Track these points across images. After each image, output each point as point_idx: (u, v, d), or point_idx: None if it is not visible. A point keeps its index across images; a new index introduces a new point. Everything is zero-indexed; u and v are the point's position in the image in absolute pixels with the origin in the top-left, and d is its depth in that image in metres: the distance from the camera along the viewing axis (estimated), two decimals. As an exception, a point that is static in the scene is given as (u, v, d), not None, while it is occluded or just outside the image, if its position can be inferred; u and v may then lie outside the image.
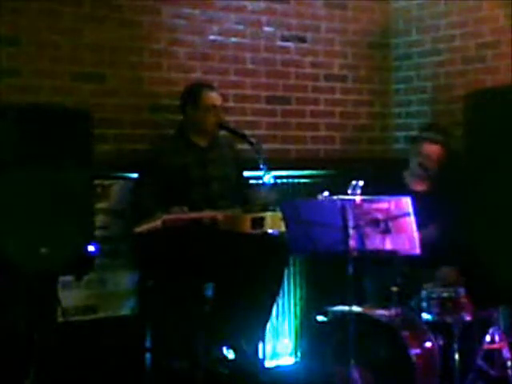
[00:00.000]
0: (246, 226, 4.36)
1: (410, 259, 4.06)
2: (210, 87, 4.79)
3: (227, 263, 4.33)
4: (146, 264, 4.57)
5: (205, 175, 4.67)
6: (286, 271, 4.84)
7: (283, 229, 4.25)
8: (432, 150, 4.84)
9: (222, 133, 4.81)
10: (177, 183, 4.56)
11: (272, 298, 4.56)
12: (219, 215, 4.36)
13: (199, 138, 4.74)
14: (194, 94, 4.73)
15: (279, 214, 4.30)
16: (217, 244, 4.32)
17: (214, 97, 4.73)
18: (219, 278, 4.42)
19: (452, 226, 4.49)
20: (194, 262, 4.30)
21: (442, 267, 4.50)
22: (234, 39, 5.27)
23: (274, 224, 4.40)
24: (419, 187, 4.84)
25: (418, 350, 4.02)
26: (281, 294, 5.14)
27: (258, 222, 4.38)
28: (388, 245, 3.96)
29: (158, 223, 4.20)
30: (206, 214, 4.37)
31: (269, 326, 4.76)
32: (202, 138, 4.74)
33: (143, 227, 4.21)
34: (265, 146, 4.93)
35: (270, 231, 4.39)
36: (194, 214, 4.34)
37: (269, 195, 4.55)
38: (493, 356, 4.20)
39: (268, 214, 4.40)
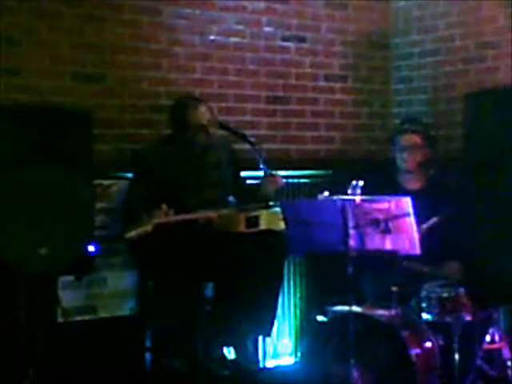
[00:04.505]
0: (241, 225, 4.36)
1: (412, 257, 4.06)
2: (196, 103, 4.58)
3: (225, 263, 4.33)
4: (145, 265, 4.57)
5: (199, 181, 4.58)
6: (285, 268, 4.82)
7: (280, 226, 4.25)
8: (412, 139, 4.80)
9: (220, 133, 4.78)
10: (170, 190, 4.46)
11: (273, 295, 4.55)
12: (213, 215, 4.36)
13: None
14: (180, 114, 4.56)
15: (275, 212, 4.31)
16: (213, 244, 4.32)
17: (201, 115, 4.54)
18: (218, 278, 4.42)
19: (451, 226, 4.49)
20: (192, 263, 4.30)
21: (447, 261, 4.48)
22: (233, 39, 5.27)
23: (269, 222, 4.40)
24: (413, 186, 4.81)
25: (418, 350, 4.01)
26: (281, 294, 5.15)
27: (253, 221, 4.38)
28: (388, 245, 3.96)
29: (148, 228, 4.14)
30: (201, 214, 4.36)
31: (276, 323, 4.74)
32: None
33: (133, 233, 4.13)
34: (265, 146, 4.93)
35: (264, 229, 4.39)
36: (188, 216, 4.32)
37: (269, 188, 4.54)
38: (493, 356, 4.20)
39: (263, 213, 4.40)
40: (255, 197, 4.58)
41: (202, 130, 4.55)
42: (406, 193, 4.14)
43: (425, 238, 4.07)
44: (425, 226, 4.35)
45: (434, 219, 4.46)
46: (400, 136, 4.82)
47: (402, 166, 4.81)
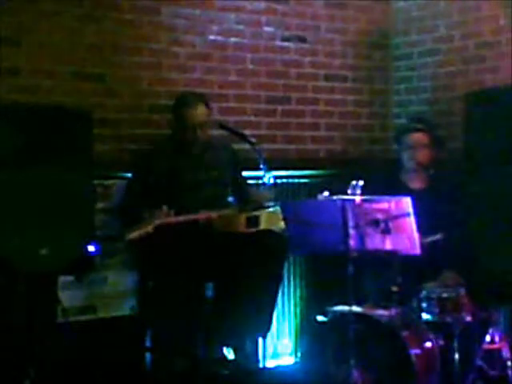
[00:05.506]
0: (241, 225, 4.36)
1: (411, 262, 4.06)
2: (194, 102, 4.55)
3: (225, 263, 4.33)
4: (145, 265, 4.57)
5: (197, 180, 4.57)
6: (285, 268, 4.82)
7: (280, 226, 4.25)
8: (418, 137, 4.81)
9: (220, 133, 4.78)
10: (167, 188, 4.48)
11: (272, 296, 4.55)
12: (214, 215, 4.35)
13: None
14: (178, 112, 4.56)
15: (275, 212, 4.30)
16: (213, 244, 4.32)
17: (197, 115, 4.52)
18: (218, 278, 4.42)
19: (452, 225, 4.49)
20: (192, 263, 4.30)
21: (444, 271, 4.48)
22: (233, 39, 5.27)
23: (269, 222, 4.40)
24: (417, 185, 4.82)
25: (418, 350, 4.02)
26: (281, 294, 5.15)
27: (253, 221, 4.38)
28: (388, 245, 3.96)
29: (149, 229, 4.15)
30: (201, 215, 4.36)
31: (274, 323, 4.73)
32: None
33: (134, 234, 4.13)
34: (265, 146, 4.93)
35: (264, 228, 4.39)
36: (188, 216, 4.32)
37: (266, 194, 4.54)
38: (493, 356, 4.20)
39: (263, 212, 4.40)
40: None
41: (197, 129, 4.53)
42: (409, 192, 4.15)
43: (425, 250, 4.07)
44: (427, 240, 4.35)
45: (438, 236, 4.48)
46: (407, 134, 4.84)
47: (408, 165, 4.82)
